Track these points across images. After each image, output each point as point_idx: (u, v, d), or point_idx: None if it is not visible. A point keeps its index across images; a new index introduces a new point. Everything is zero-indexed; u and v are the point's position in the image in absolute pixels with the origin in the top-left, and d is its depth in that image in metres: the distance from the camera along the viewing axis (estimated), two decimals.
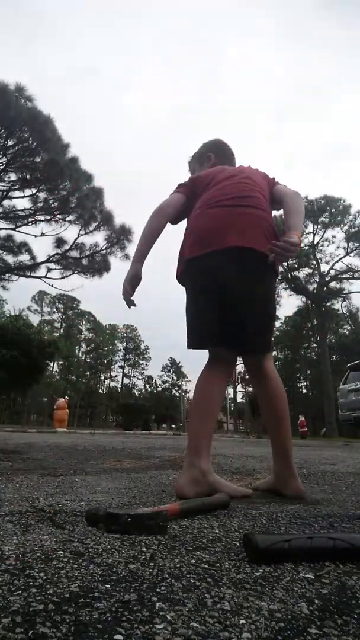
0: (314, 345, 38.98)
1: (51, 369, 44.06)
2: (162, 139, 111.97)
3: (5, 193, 12.73)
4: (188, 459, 1.45)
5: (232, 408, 39.82)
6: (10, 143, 12.07)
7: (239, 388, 41.94)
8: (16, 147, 12.14)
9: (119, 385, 56.74)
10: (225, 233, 1.53)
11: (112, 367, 57.47)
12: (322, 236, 27.03)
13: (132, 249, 14.10)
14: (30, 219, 13.35)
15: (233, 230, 1.52)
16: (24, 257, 14.04)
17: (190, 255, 1.60)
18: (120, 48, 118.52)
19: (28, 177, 12.62)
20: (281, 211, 1.74)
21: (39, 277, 13.94)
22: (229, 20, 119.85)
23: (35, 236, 13.37)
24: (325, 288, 26.54)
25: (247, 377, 49.41)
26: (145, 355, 58.14)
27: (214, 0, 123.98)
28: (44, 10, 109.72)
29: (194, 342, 1.61)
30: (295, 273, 27.35)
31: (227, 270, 1.50)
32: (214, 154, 2.00)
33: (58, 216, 13.36)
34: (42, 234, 13.35)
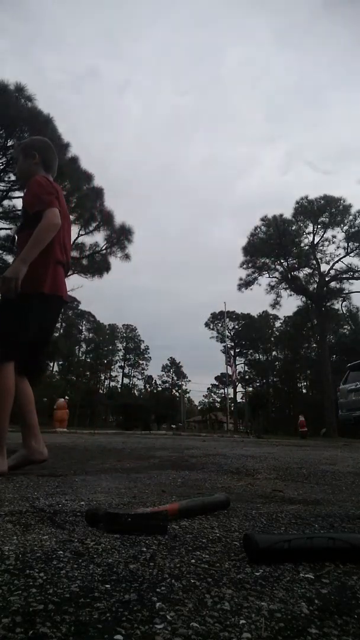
0: (314, 345, 38.96)
1: (51, 369, 44.05)
2: (162, 139, 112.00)
3: (5, 193, 12.74)
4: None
5: (232, 408, 39.80)
6: (10, 143, 12.07)
7: (239, 388, 41.97)
8: None
9: (119, 385, 56.77)
10: None
11: (112, 367, 57.46)
12: (322, 236, 27.02)
13: (132, 248, 14.13)
14: None
15: None
16: None
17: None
18: (121, 50, 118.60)
19: None
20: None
21: None
22: (229, 23, 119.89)
23: None
24: (325, 288, 26.52)
25: (246, 377, 49.50)
26: (145, 355, 58.13)
27: (215, 5, 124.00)
28: (44, 13, 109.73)
29: None
30: (295, 273, 27.35)
31: None
32: (39, 155, 2.16)
33: None
34: None
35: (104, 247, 14.24)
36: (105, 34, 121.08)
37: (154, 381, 57.06)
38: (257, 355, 52.55)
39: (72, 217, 13.47)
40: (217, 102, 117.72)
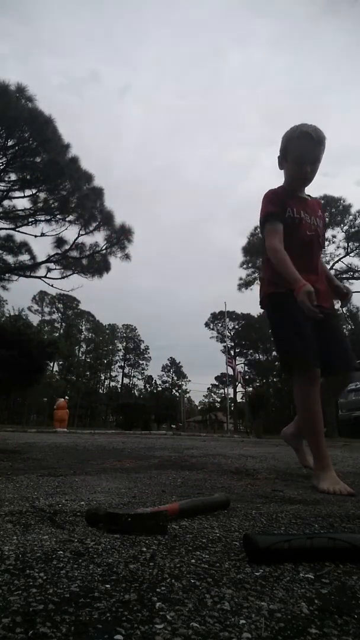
0: None
1: (51, 369, 44.03)
2: (162, 140, 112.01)
3: (5, 193, 12.73)
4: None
5: (232, 408, 39.80)
6: (10, 143, 12.06)
7: (239, 388, 41.91)
8: (16, 147, 12.14)
9: (119, 385, 56.77)
10: None
11: (112, 367, 57.49)
12: None
13: (132, 248, 14.13)
14: (30, 219, 13.34)
15: None
16: (24, 257, 14.03)
17: None
18: (122, 53, 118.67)
19: (28, 177, 12.60)
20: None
21: (39, 277, 13.93)
22: (229, 26, 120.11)
23: (35, 236, 13.35)
24: None
25: (246, 377, 49.48)
26: (145, 355, 58.12)
27: (214, 8, 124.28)
28: (45, 16, 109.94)
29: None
30: None
31: None
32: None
33: (58, 216, 13.35)
34: (42, 234, 13.33)
35: (104, 247, 14.22)
36: (106, 38, 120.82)
37: (154, 381, 57.05)
38: (257, 355, 52.55)
39: (72, 217, 13.52)
40: (217, 104, 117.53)
